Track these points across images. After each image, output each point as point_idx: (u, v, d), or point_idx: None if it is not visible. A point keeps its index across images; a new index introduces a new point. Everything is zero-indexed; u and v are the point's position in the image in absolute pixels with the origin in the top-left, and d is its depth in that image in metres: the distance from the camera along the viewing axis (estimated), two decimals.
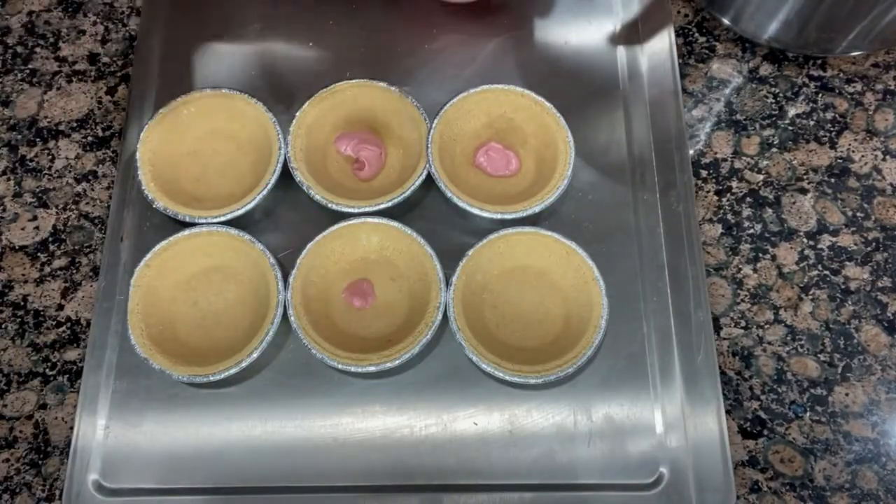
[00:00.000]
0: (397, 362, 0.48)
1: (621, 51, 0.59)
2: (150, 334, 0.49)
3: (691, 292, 0.52)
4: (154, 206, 0.52)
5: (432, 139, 0.53)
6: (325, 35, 0.61)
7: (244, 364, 0.48)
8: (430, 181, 0.53)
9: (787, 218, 0.55)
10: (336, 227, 0.51)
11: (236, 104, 0.55)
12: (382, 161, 0.55)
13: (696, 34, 0.61)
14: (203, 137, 0.56)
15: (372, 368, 0.48)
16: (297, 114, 0.54)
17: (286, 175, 0.53)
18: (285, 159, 0.53)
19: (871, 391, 0.51)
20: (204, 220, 0.52)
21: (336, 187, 0.53)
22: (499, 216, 0.51)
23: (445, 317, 0.49)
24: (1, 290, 0.55)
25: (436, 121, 0.54)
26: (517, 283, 0.52)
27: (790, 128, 0.58)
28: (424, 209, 0.54)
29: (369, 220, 0.51)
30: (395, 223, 0.51)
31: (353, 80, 0.55)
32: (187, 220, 0.52)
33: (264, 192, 0.52)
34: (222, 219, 0.52)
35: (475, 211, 0.51)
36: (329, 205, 0.52)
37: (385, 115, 0.56)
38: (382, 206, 0.51)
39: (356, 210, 0.52)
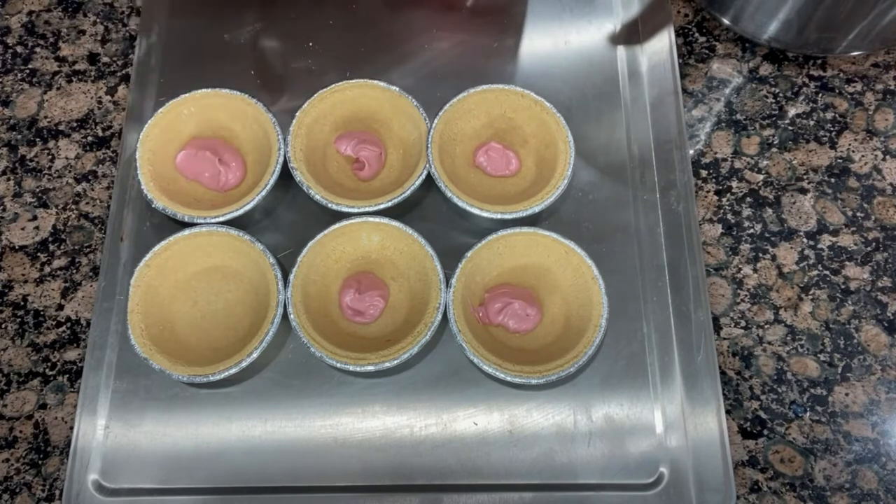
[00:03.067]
0: (396, 362, 0.48)
1: (621, 51, 0.59)
2: (150, 334, 0.49)
3: (691, 292, 0.52)
4: (154, 206, 0.52)
5: (432, 139, 0.53)
6: (325, 35, 0.61)
7: (244, 364, 0.48)
8: (430, 181, 0.53)
9: (787, 218, 0.55)
10: (338, 225, 0.51)
11: (236, 104, 0.55)
12: (382, 161, 0.55)
13: (696, 34, 0.61)
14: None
15: (370, 368, 0.48)
16: (297, 114, 0.54)
17: (286, 175, 0.53)
18: (285, 159, 0.53)
19: (871, 391, 0.50)
20: (204, 220, 0.52)
21: (336, 187, 0.53)
22: (499, 216, 0.51)
23: (445, 317, 0.49)
24: (1, 290, 0.55)
25: (436, 121, 0.54)
26: (517, 284, 0.52)
27: (790, 128, 0.58)
28: (424, 209, 0.54)
29: (371, 219, 0.51)
30: (396, 223, 0.51)
31: (353, 80, 0.55)
32: (187, 220, 0.52)
33: (264, 192, 0.52)
34: (222, 219, 0.52)
35: (475, 211, 0.51)
36: (329, 205, 0.52)
37: (385, 115, 0.56)
38: (382, 206, 0.51)
39: (356, 210, 0.51)
